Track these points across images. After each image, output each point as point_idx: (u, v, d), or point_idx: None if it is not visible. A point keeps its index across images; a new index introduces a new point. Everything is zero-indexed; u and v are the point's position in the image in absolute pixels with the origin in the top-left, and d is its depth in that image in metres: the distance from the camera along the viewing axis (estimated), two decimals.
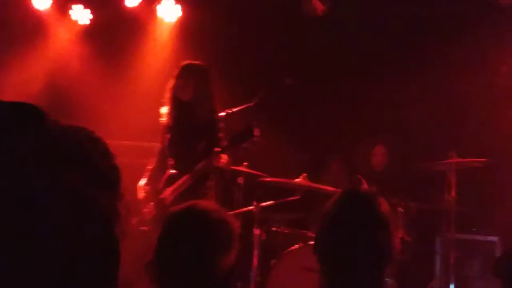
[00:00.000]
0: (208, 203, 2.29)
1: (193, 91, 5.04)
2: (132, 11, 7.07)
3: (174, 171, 5.13)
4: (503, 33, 6.34)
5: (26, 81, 6.69)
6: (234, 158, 5.34)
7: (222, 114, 5.54)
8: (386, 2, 6.70)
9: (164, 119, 5.19)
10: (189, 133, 5.10)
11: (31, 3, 6.98)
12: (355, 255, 2.12)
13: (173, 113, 5.12)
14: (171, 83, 5.13)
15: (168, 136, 5.19)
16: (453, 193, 5.56)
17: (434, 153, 5.73)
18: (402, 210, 5.60)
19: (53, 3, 7.05)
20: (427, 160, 5.71)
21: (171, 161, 5.21)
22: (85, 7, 7.14)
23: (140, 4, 7.03)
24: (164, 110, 5.17)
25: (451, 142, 5.85)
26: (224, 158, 5.01)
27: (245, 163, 5.70)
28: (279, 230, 5.92)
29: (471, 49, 6.34)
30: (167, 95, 5.14)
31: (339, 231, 2.16)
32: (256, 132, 4.88)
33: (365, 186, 5.56)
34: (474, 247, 5.96)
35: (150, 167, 5.29)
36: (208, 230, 2.14)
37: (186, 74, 5.07)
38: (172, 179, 5.07)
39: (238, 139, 4.95)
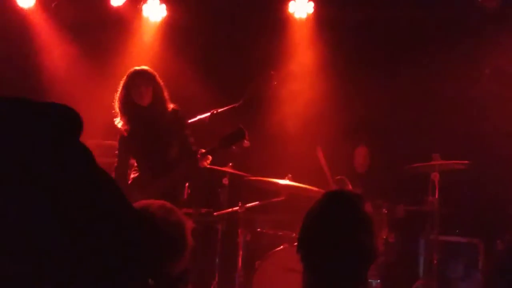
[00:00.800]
0: (161, 204, 2.27)
1: (152, 96, 5.02)
2: (117, 10, 7.06)
3: (141, 175, 5.10)
4: (487, 36, 6.41)
5: (11, 80, 6.66)
6: (219, 159, 5.35)
7: (207, 114, 5.55)
8: (371, 5, 6.73)
9: (124, 130, 5.10)
10: (156, 138, 5.07)
11: (15, 1, 6.96)
12: (338, 255, 2.13)
13: (133, 121, 5.06)
14: (122, 92, 5.04)
15: (132, 144, 5.12)
16: (436, 195, 5.60)
17: (418, 155, 5.77)
18: (386, 211, 5.64)
19: (37, 1, 7.02)
20: (411, 162, 5.74)
21: (134, 163, 5.19)
22: (71, 6, 7.12)
23: (125, 3, 7.01)
24: (119, 121, 5.07)
25: (435, 144, 5.89)
26: (210, 159, 5.01)
27: (230, 164, 5.72)
28: (264, 231, 5.93)
29: (455, 51, 6.40)
30: (119, 105, 5.05)
31: (322, 231, 2.17)
32: (246, 137, 4.92)
33: (349, 187, 5.60)
34: (457, 249, 6.00)
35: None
36: (156, 231, 2.14)
37: (145, 81, 5.03)
38: (143, 182, 5.04)
39: (229, 141, 4.94)
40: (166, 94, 5.11)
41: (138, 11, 7.13)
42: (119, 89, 5.08)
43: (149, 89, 5.02)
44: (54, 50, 7.15)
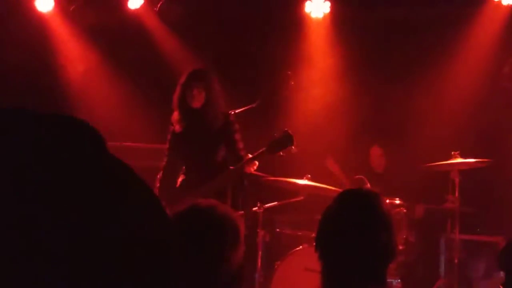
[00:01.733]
0: (211, 201, 2.26)
1: (204, 98, 5.05)
2: (134, 13, 7.09)
3: (188, 178, 5.11)
4: (506, 34, 6.34)
5: (30, 81, 6.71)
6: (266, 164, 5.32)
7: None
8: (387, 3, 6.68)
9: (176, 127, 5.16)
10: (206, 140, 5.10)
11: (34, 6, 7.01)
12: (355, 254, 2.12)
13: (185, 121, 5.12)
14: (178, 90, 5.11)
15: (181, 144, 5.16)
16: (456, 194, 5.55)
17: (438, 154, 5.72)
18: (406, 210, 5.59)
19: (55, 5, 7.08)
20: (431, 161, 5.70)
21: (182, 166, 5.18)
22: (88, 9, 7.16)
23: (142, 6, 7.03)
24: (175, 117, 5.15)
25: (455, 142, 5.84)
26: (256, 165, 5.03)
27: None
28: (283, 231, 5.93)
29: (473, 49, 6.34)
30: (175, 102, 5.12)
31: (339, 230, 2.16)
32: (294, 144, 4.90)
33: (367, 186, 5.57)
34: (478, 247, 5.95)
35: (159, 178, 5.22)
36: (214, 227, 2.12)
37: (198, 82, 5.05)
38: (189, 184, 5.02)
39: (277, 146, 4.92)
40: (220, 98, 5.14)
41: (154, 14, 7.15)
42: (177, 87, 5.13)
43: (202, 92, 5.03)
44: (72, 52, 7.21)
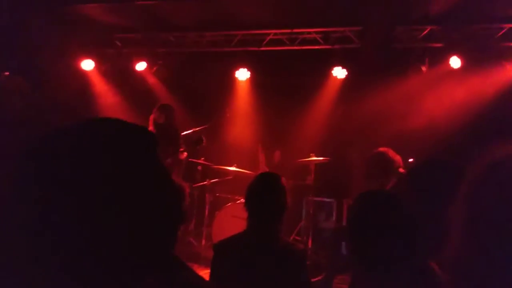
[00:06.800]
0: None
1: (164, 118, 5.03)
2: (140, 73, 6.72)
3: None
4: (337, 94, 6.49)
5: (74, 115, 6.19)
6: (192, 154, 5.28)
7: (190, 131, 5.40)
8: (280, 73, 6.60)
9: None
10: (164, 141, 5.01)
11: (80, 66, 6.51)
12: (267, 208, 2.08)
13: (154, 129, 5.06)
14: (152, 114, 5.10)
15: None
16: (312, 176, 5.64)
17: (303, 154, 5.77)
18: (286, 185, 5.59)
19: (95, 66, 6.63)
20: (300, 158, 5.74)
21: None
22: (114, 69, 6.75)
23: (145, 69, 6.68)
24: (150, 127, 5.08)
25: (312, 148, 5.91)
26: (185, 154, 5.05)
27: (202, 158, 5.58)
28: (220, 195, 5.80)
29: (320, 101, 6.42)
30: (150, 120, 5.07)
31: (257, 194, 2.11)
32: (204, 141, 5.01)
33: (268, 170, 5.54)
34: (322, 204, 6.06)
35: None
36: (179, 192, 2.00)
37: (159, 110, 5.09)
38: None
39: (194, 143, 5.02)
40: (174, 119, 5.10)
41: (152, 73, 6.80)
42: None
43: (162, 114, 5.05)
44: (103, 93, 6.78)
